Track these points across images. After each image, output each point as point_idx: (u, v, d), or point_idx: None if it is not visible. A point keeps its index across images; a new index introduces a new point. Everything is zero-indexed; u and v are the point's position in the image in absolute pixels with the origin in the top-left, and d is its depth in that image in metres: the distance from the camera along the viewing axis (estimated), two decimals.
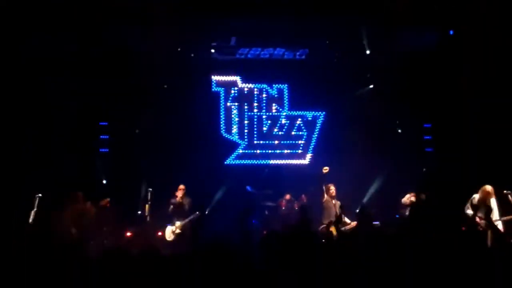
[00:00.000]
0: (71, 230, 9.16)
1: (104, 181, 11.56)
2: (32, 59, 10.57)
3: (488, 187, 9.16)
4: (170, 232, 9.93)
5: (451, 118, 12.01)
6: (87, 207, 10.04)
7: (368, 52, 11.98)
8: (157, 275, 4.66)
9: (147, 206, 9.56)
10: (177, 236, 9.85)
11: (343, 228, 9.81)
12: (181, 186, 10.27)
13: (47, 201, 8.91)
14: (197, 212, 10.05)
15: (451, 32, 11.82)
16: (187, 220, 10.03)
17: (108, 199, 10.09)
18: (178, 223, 9.90)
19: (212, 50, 12.06)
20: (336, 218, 9.83)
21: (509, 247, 6.68)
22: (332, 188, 10.50)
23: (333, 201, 10.43)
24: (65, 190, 9.82)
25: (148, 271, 4.70)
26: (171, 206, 10.11)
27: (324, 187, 10.48)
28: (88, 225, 9.74)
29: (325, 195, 10.44)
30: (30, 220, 8.47)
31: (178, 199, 10.10)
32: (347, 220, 10.24)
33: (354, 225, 9.73)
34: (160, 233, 10.18)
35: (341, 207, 10.30)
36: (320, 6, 10.53)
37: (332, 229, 9.66)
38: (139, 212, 10.46)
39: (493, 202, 9.16)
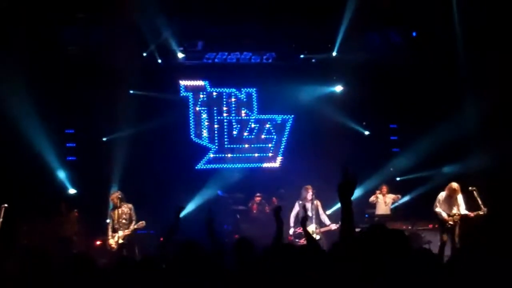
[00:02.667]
0: (50, 242, 8.95)
1: (72, 190, 11.31)
2: None
3: (454, 184, 9.40)
4: (114, 241, 9.34)
5: (417, 118, 12.24)
6: (70, 217, 9.98)
7: (334, 54, 12.13)
8: (126, 283, 4.59)
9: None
10: (120, 246, 9.24)
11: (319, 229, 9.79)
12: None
13: (14, 211, 8.68)
14: (142, 222, 9.39)
15: (414, 34, 12.09)
16: (131, 228, 9.35)
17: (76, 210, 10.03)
18: (120, 233, 9.29)
19: (179, 55, 11.98)
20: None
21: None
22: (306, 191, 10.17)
23: (313, 203, 9.99)
24: (33, 200, 9.58)
25: (118, 280, 4.63)
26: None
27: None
28: (70, 235, 9.73)
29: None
30: None
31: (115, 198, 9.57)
32: (326, 221, 10.10)
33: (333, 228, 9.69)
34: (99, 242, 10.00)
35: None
36: (286, 10, 10.62)
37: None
38: (108, 221, 10.26)
39: (460, 199, 9.39)
